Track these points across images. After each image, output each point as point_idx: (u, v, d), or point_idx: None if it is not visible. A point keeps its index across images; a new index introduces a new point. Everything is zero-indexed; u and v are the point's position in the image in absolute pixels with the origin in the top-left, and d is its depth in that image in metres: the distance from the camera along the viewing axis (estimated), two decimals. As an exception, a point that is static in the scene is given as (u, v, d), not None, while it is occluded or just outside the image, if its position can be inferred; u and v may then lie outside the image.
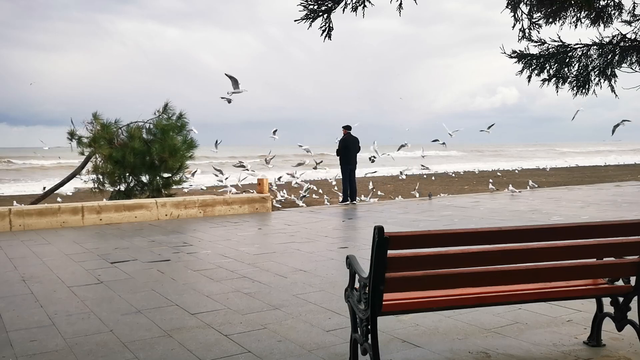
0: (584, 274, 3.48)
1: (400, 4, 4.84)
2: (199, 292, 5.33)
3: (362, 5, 4.77)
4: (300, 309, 4.70)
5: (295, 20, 4.67)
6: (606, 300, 3.69)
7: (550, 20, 5.59)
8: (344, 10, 4.75)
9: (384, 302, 3.08)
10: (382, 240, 2.92)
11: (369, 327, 3.11)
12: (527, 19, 5.65)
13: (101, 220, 10.73)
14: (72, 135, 13.44)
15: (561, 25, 5.67)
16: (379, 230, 2.91)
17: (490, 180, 20.58)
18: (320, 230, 9.36)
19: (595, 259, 3.47)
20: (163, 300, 5.07)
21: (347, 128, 14.21)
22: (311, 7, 4.67)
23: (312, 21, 4.72)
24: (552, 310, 4.46)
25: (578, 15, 5.63)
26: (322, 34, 4.75)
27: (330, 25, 4.75)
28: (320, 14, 4.68)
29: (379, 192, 17.49)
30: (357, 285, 3.29)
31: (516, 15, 5.62)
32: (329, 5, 4.69)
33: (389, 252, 2.97)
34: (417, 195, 16.74)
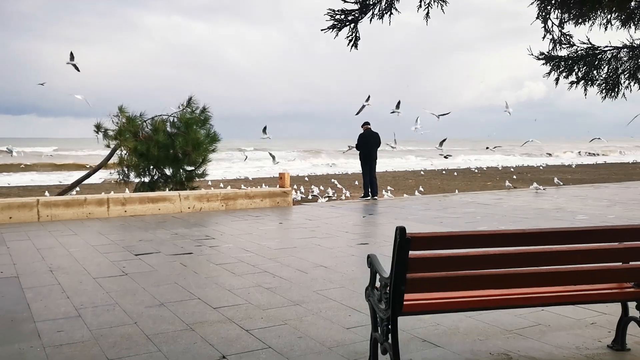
0: (610, 277, 3.42)
1: (427, 14, 4.81)
2: (221, 286, 5.40)
3: (389, 13, 4.73)
4: (321, 306, 4.72)
5: (321, 30, 4.67)
6: (631, 304, 3.63)
7: (580, 21, 5.48)
8: (370, 20, 4.73)
9: (404, 303, 3.07)
10: (403, 241, 2.91)
11: (390, 327, 3.11)
12: (557, 30, 5.57)
13: (126, 212, 10.92)
14: (98, 128, 13.70)
15: (590, 26, 5.56)
16: (400, 231, 2.90)
17: (509, 180, 20.32)
18: (340, 226, 9.37)
19: (621, 263, 3.41)
20: (186, 294, 5.15)
21: (366, 124, 14.08)
22: (338, 17, 4.65)
23: (338, 31, 4.71)
24: (575, 313, 4.40)
25: (608, 17, 5.51)
26: (348, 44, 4.75)
27: (357, 35, 4.73)
28: (347, 24, 4.67)
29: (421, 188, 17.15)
30: (377, 284, 3.29)
31: (546, 27, 5.54)
32: (356, 15, 4.67)
33: (411, 252, 2.96)
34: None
